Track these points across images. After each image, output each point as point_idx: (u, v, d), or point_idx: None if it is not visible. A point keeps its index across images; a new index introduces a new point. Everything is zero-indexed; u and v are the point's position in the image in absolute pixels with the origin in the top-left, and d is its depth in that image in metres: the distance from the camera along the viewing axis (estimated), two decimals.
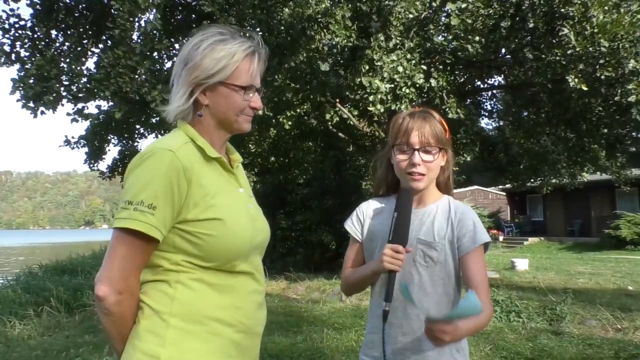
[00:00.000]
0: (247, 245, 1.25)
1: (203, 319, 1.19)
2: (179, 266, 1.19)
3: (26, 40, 8.12)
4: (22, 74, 7.69)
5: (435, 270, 1.51)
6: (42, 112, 7.87)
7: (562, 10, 6.68)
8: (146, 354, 1.14)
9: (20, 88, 7.47)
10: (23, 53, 8.11)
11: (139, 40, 6.96)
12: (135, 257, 1.15)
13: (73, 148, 10.53)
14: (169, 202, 1.15)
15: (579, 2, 6.51)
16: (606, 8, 6.40)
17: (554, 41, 7.02)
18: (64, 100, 8.18)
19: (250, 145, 13.94)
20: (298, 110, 10.61)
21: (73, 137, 10.60)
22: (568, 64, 6.95)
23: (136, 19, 6.82)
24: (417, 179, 1.52)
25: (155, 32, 6.95)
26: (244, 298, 1.25)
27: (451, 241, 1.51)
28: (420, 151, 1.52)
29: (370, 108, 7.43)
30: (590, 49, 6.49)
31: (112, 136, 11.13)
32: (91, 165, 11.06)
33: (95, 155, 10.99)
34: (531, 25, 7.12)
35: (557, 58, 6.97)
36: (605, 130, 9.38)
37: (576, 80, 6.82)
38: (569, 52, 6.70)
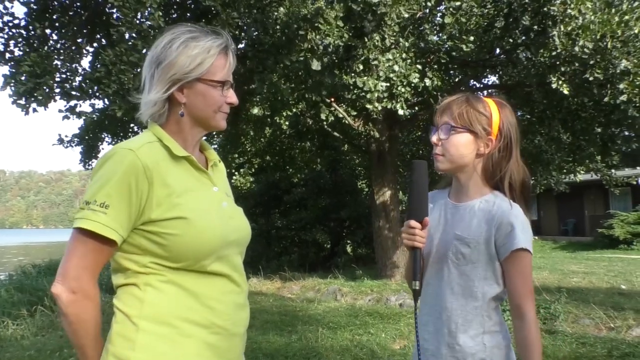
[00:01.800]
0: (217, 243, 1.23)
1: (174, 320, 1.17)
2: (147, 268, 1.19)
3: (20, 39, 8.07)
4: (13, 70, 7.63)
5: (465, 269, 1.44)
6: (34, 110, 7.81)
7: (545, 9, 6.69)
8: (117, 358, 1.14)
9: (12, 84, 7.41)
10: (17, 52, 8.06)
11: (139, 38, 6.92)
12: (89, 257, 1.14)
13: (66, 147, 10.48)
14: (125, 201, 1.14)
15: (561, 1, 6.53)
16: (589, 5, 6.39)
17: (546, 41, 7.05)
18: (57, 97, 8.12)
19: (246, 145, 13.94)
20: (294, 110, 10.61)
21: (66, 136, 10.55)
22: (552, 66, 6.97)
23: (139, 16, 6.78)
24: (435, 159, 1.50)
25: (155, 30, 6.93)
26: (219, 299, 1.24)
27: (488, 241, 1.41)
28: (439, 130, 1.49)
29: (368, 106, 7.43)
30: (576, 48, 6.49)
31: (105, 134, 11.08)
32: (86, 165, 11.00)
33: (89, 153, 10.94)
34: (526, 24, 7.14)
35: (544, 59, 6.99)
36: (599, 130, 9.42)
37: (559, 82, 6.84)
38: (553, 53, 6.72)
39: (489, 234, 1.42)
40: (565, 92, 6.88)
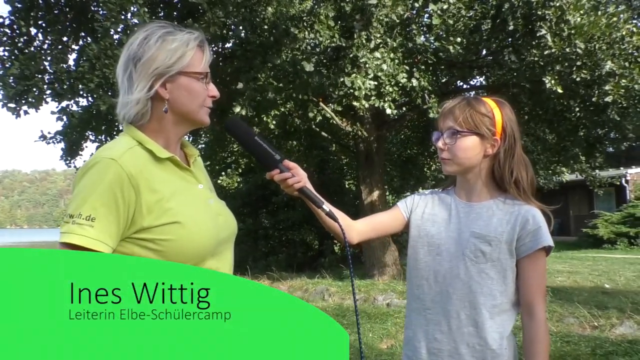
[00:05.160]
0: (211, 243, 1.22)
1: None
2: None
3: (5, 39, 7.96)
4: (0, 73, 7.54)
5: (484, 267, 1.42)
6: (25, 112, 7.72)
7: (539, 12, 6.77)
8: None
9: (0, 88, 7.32)
10: (1, 52, 7.98)
11: (124, 33, 6.86)
12: None
13: (49, 143, 10.32)
14: (112, 212, 1.12)
15: (556, 5, 6.62)
16: (582, 12, 6.51)
17: (533, 42, 7.12)
18: (48, 99, 8.03)
19: (233, 144, 13.88)
20: (282, 110, 10.58)
21: (49, 133, 10.37)
22: (545, 65, 7.05)
23: (123, 12, 6.72)
24: (443, 162, 1.52)
25: (137, 28, 6.87)
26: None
27: (509, 242, 1.42)
28: (443, 134, 1.50)
29: (355, 103, 7.44)
30: (567, 49, 6.59)
31: (89, 132, 10.95)
32: (67, 162, 10.86)
33: (72, 151, 10.79)
34: (511, 27, 7.21)
35: (536, 59, 7.07)
36: (584, 131, 9.55)
37: (552, 82, 6.93)
38: (546, 52, 6.80)
39: (512, 232, 1.43)
40: (560, 90, 6.96)
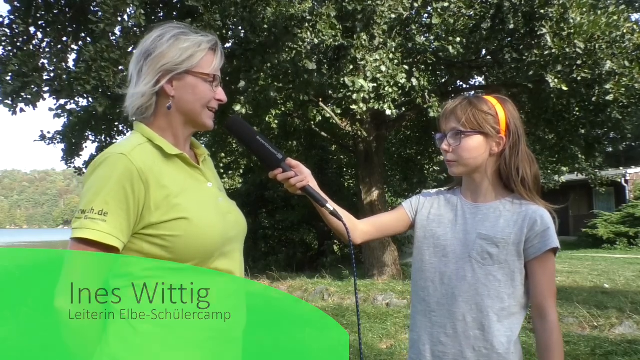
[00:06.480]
0: (219, 241, 1.22)
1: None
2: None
3: (4, 38, 7.96)
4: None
5: (492, 269, 1.39)
6: (22, 110, 7.71)
7: (542, 11, 6.77)
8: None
9: None
10: (1, 51, 7.96)
11: (121, 36, 6.87)
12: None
13: (49, 144, 10.33)
14: (123, 207, 1.12)
15: (558, 3, 6.62)
16: (584, 9, 6.53)
17: (533, 42, 7.13)
18: (46, 95, 8.02)
19: (233, 144, 13.89)
20: (282, 109, 10.58)
21: (49, 132, 10.37)
22: (546, 65, 7.05)
23: (119, 14, 6.71)
24: (448, 164, 1.49)
25: (136, 29, 6.86)
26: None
27: (517, 243, 1.40)
28: (446, 136, 1.47)
29: (354, 107, 7.43)
30: (567, 49, 6.60)
31: (89, 133, 10.95)
32: (68, 162, 10.88)
33: (72, 151, 10.80)
34: (511, 26, 7.22)
35: (536, 59, 7.08)
36: (584, 131, 9.56)
37: (556, 80, 6.93)
38: (546, 52, 6.81)
39: (520, 233, 1.40)
40: (564, 88, 6.96)
